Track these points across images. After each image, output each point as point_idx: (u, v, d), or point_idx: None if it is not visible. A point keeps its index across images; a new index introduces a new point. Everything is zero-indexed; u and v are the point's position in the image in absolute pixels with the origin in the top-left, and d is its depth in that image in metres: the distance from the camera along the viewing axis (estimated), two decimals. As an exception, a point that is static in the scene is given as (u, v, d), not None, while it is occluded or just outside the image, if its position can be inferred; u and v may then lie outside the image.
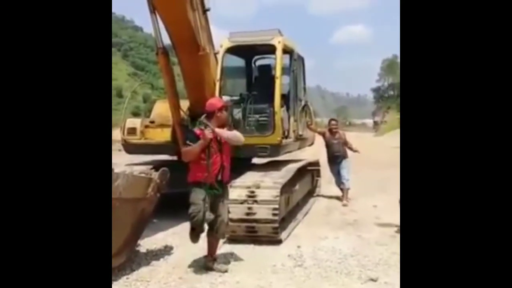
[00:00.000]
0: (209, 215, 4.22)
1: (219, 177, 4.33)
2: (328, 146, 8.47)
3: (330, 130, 8.51)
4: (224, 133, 4.35)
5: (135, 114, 40.73)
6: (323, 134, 8.56)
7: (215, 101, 4.64)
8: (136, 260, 4.74)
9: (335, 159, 8.36)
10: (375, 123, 64.41)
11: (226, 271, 4.37)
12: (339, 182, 8.38)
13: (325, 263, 4.61)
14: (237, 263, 4.66)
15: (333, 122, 8.88)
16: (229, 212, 4.63)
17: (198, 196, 4.22)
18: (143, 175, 4.71)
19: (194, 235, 4.33)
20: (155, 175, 4.65)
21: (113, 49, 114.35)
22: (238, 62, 8.18)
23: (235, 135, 4.45)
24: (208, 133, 4.22)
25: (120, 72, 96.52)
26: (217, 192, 4.29)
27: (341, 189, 8.34)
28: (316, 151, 9.34)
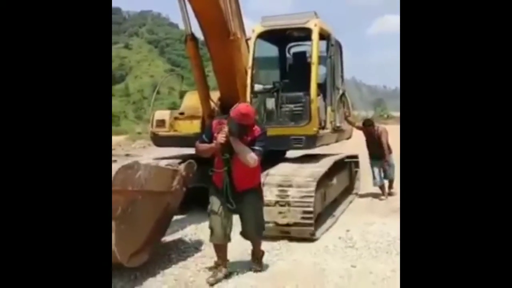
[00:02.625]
0: (228, 230, 3.81)
1: (229, 188, 3.71)
2: (368, 144, 7.79)
3: (366, 132, 7.73)
4: (240, 146, 3.58)
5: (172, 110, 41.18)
6: (362, 129, 7.88)
7: (252, 114, 3.67)
8: (163, 258, 4.39)
9: (377, 157, 7.59)
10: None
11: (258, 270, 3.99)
12: (380, 179, 7.62)
13: (375, 245, 4.71)
14: (291, 244, 4.75)
15: (368, 123, 7.86)
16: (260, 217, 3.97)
17: (214, 207, 3.77)
18: (168, 167, 4.38)
19: (219, 250, 3.89)
20: (180, 167, 4.30)
21: (150, 46, 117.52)
22: (271, 51, 7.75)
23: (248, 155, 3.56)
24: (220, 138, 3.59)
25: (157, 69, 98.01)
26: (231, 207, 3.72)
27: (380, 187, 7.66)
28: (356, 145, 8.64)
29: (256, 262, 4.06)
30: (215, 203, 3.79)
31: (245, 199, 3.78)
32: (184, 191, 4.39)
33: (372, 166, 7.69)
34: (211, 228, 3.81)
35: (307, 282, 3.71)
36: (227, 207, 3.74)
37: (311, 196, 4.87)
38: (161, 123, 7.09)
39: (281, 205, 4.86)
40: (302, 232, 4.85)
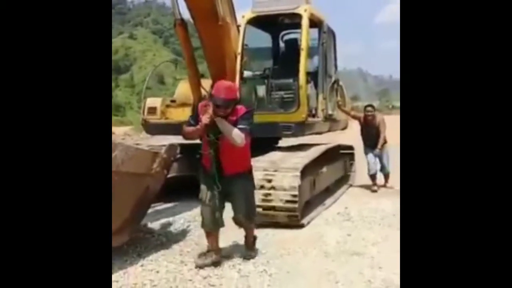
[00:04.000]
0: (218, 216, 3.73)
1: (216, 170, 3.64)
2: (364, 133, 7.57)
3: (365, 118, 7.45)
4: (225, 125, 3.49)
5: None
6: (358, 119, 7.67)
7: (233, 88, 3.73)
8: (146, 244, 4.38)
9: (372, 145, 7.40)
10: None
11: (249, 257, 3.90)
12: (373, 167, 7.43)
13: (370, 219, 5.33)
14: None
15: (368, 108, 7.58)
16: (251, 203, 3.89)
17: (204, 193, 3.73)
18: (147, 148, 4.32)
19: (209, 237, 3.83)
20: (161, 150, 4.25)
21: (155, 36, 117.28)
22: (264, 41, 7.67)
23: (233, 133, 3.47)
24: (205, 119, 3.48)
25: (162, 59, 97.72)
26: (218, 189, 3.65)
27: (372, 177, 7.44)
28: (353, 136, 8.52)
29: (249, 248, 4.01)
30: (204, 189, 3.74)
31: (234, 184, 3.70)
32: (166, 174, 4.33)
33: (366, 154, 7.55)
34: (201, 215, 3.78)
35: (308, 244, 4.32)
36: (216, 190, 3.67)
37: (296, 180, 4.81)
38: (153, 110, 7.06)
39: (267, 189, 4.80)
40: (286, 217, 4.81)
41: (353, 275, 3.54)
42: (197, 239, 4.39)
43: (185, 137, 3.78)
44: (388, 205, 5.90)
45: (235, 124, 3.51)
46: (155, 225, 5.03)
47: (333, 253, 4.08)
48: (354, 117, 7.80)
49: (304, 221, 5.05)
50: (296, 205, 4.79)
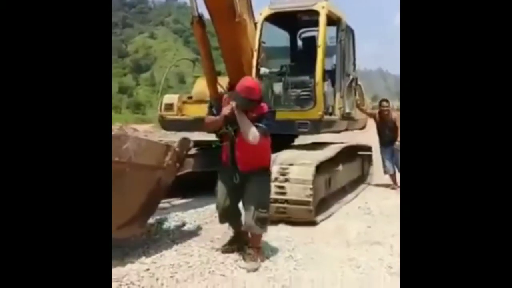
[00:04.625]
0: (233, 209, 3.73)
1: (233, 164, 3.63)
2: (379, 130, 7.54)
3: (381, 113, 7.44)
4: (243, 120, 3.45)
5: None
6: (373, 117, 7.64)
7: (257, 87, 3.58)
8: (178, 232, 4.63)
9: (388, 143, 7.38)
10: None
11: (252, 270, 3.55)
12: (390, 167, 7.38)
13: (389, 213, 5.47)
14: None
15: (384, 103, 7.55)
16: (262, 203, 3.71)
17: (220, 186, 3.73)
18: (160, 141, 4.35)
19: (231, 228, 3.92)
20: (174, 143, 4.26)
21: (175, 36, 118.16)
22: (283, 41, 7.66)
23: (248, 130, 3.42)
24: (225, 110, 3.50)
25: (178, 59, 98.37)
26: (235, 181, 3.60)
27: (391, 176, 7.44)
28: (372, 137, 8.51)
29: (253, 258, 3.65)
30: (219, 183, 3.73)
31: (248, 181, 3.61)
32: (178, 168, 4.34)
33: (382, 153, 7.49)
34: (216, 209, 3.79)
35: (331, 235, 4.58)
36: (231, 184, 3.63)
37: (310, 178, 4.77)
38: (169, 106, 7.10)
39: (280, 185, 4.78)
40: (300, 212, 4.77)
41: (374, 261, 3.75)
42: (226, 227, 4.36)
43: (206, 128, 3.79)
44: None
45: (254, 121, 3.47)
46: (185, 215, 5.28)
47: (354, 243, 4.32)
48: (370, 115, 7.75)
49: (318, 218, 5.01)
50: (310, 199, 4.73)
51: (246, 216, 3.68)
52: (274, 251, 3.97)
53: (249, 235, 3.80)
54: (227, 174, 3.69)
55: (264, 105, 3.61)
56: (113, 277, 3.31)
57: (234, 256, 3.80)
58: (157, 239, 4.41)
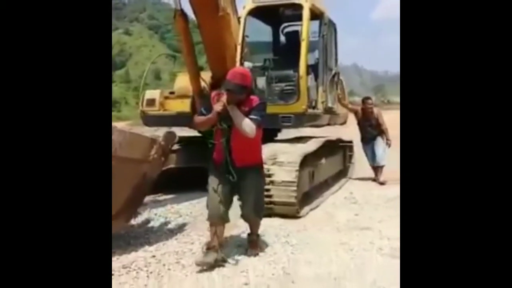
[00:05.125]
0: (224, 209, 3.58)
1: (230, 161, 3.57)
2: (361, 127, 7.64)
3: (364, 110, 7.53)
4: (237, 114, 3.43)
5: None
6: (355, 112, 7.71)
7: (248, 74, 3.60)
8: (176, 223, 4.82)
9: (369, 140, 7.54)
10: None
11: (253, 255, 3.68)
12: (373, 161, 7.56)
13: (375, 202, 5.81)
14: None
15: (368, 101, 7.66)
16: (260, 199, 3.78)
17: (212, 185, 3.60)
18: (145, 134, 4.30)
19: (213, 231, 3.62)
20: (159, 136, 4.22)
21: (150, 32, 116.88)
22: (264, 35, 7.67)
23: (244, 123, 3.40)
24: (217, 106, 3.44)
25: (158, 55, 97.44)
26: (232, 180, 3.56)
27: (374, 168, 7.55)
28: (352, 131, 8.63)
29: (253, 246, 3.81)
30: (212, 180, 3.63)
31: (245, 177, 3.59)
32: (163, 162, 4.30)
33: (364, 149, 7.61)
34: (207, 207, 3.67)
35: (321, 222, 4.82)
36: (228, 181, 3.56)
37: (296, 171, 4.83)
38: (151, 102, 7.03)
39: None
40: (285, 208, 4.83)
41: (365, 244, 3.97)
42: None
43: (197, 128, 3.75)
44: (390, 192, 6.20)
45: (247, 114, 3.45)
46: (180, 206, 5.56)
47: (345, 229, 4.56)
48: (351, 110, 7.82)
49: (303, 211, 5.05)
50: (294, 200, 4.82)
51: (244, 207, 3.70)
52: (270, 237, 4.17)
53: (249, 223, 3.88)
54: (221, 173, 3.61)
55: (254, 98, 3.57)
56: (121, 263, 3.50)
57: (237, 241, 4.03)
58: (155, 229, 4.62)
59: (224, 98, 3.47)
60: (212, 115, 3.46)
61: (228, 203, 3.63)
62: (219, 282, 3.25)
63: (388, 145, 7.40)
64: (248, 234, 3.91)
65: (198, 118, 3.64)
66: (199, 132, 5.25)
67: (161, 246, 4.00)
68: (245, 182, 3.61)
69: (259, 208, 3.75)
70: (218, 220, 3.59)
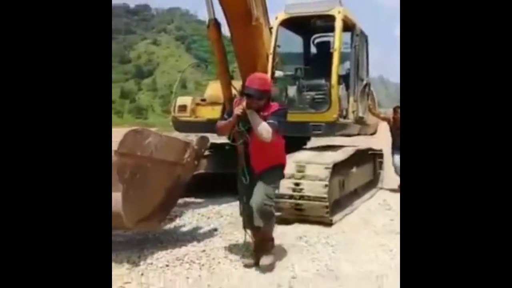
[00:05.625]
0: (246, 212, 3.63)
1: (246, 165, 3.58)
2: (393, 135, 7.63)
3: (395, 119, 7.51)
4: (255, 117, 3.41)
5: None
6: (388, 121, 7.72)
7: (267, 80, 3.74)
8: (219, 223, 5.01)
9: (399, 147, 7.52)
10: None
11: (247, 265, 3.64)
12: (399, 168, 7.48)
13: None
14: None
15: (399, 110, 7.50)
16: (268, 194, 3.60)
17: (239, 189, 3.71)
18: (179, 138, 4.40)
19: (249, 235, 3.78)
20: (193, 140, 4.31)
21: (177, 42, 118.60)
22: (295, 47, 7.74)
23: (261, 126, 3.37)
24: (237, 110, 3.45)
25: (184, 64, 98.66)
26: (245, 182, 3.55)
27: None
28: (381, 142, 8.63)
29: (266, 255, 3.64)
30: (239, 187, 3.70)
31: (259, 179, 3.56)
32: (196, 165, 4.38)
33: (393, 156, 7.56)
34: (240, 214, 3.82)
35: (359, 226, 5.01)
36: (244, 185, 3.57)
37: (326, 179, 4.86)
38: (183, 108, 7.14)
39: (296, 186, 4.88)
40: (316, 212, 4.88)
41: None
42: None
43: (219, 132, 3.75)
44: None
45: (266, 119, 3.44)
46: (221, 207, 5.78)
47: (382, 232, 4.76)
48: (384, 119, 7.81)
49: (335, 218, 5.06)
50: (326, 200, 4.82)
51: (253, 208, 3.56)
52: (311, 238, 4.38)
53: (257, 228, 3.70)
54: (240, 175, 3.65)
55: (274, 104, 3.59)
56: (175, 256, 3.74)
57: (277, 241, 4.02)
58: (200, 227, 4.88)
59: (244, 102, 3.48)
60: (233, 118, 3.50)
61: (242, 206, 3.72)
62: (264, 275, 3.47)
63: None
64: (258, 243, 3.75)
65: (220, 123, 3.70)
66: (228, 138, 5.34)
67: (208, 243, 4.22)
68: (258, 182, 3.56)
69: (263, 209, 3.49)
70: (248, 225, 3.70)
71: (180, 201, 5.35)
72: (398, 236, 4.09)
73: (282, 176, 3.81)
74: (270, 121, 3.42)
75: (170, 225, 4.91)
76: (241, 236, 3.98)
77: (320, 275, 3.45)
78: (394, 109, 7.78)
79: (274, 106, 3.58)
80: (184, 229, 4.83)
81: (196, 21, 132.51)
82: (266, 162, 3.59)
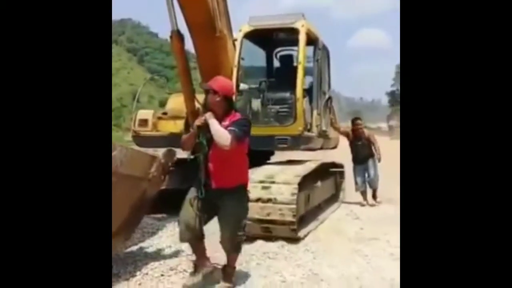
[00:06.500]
0: (195, 225, 3.41)
1: (205, 181, 3.41)
2: (353, 148, 7.74)
3: (354, 131, 7.70)
4: (214, 123, 3.28)
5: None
6: (346, 135, 7.83)
7: (230, 84, 3.69)
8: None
9: (361, 161, 7.62)
10: (390, 127, 62.53)
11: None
12: (362, 184, 7.60)
13: (375, 218, 6.29)
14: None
15: (358, 121, 7.86)
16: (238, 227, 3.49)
17: (187, 199, 3.49)
18: (145, 152, 4.22)
19: (194, 251, 3.60)
20: (159, 154, 4.15)
21: (129, 55, 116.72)
22: (258, 61, 7.72)
23: (222, 133, 3.23)
24: (198, 120, 3.35)
25: (137, 77, 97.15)
26: (200, 196, 3.38)
27: (362, 193, 7.61)
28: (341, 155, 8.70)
29: (227, 279, 3.57)
30: (188, 197, 3.49)
31: (224, 200, 3.41)
32: (163, 180, 4.21)
33: (355, 170, 7.66)
34: (178, 223, 3.53)
35: (332, 234, 5.36)
36: (198, 198, 3.38)
37: (294, 194, 4.80)
38: (144, 122, 6.95)
39: (263, 202, 4.78)
40: (284, 229, 4.80)
41: (377, 251, 4.52)
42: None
43: (183, 146, 3.59)
44: (388, 210, 6.71)
45: (227, 128, 3.31)
46: None
47: (355, 239, 5.13)
48: (343, 133, 7.90)
49: (301, 234, 5.00)
50: (294, 219, 4.76)
51: (222, 237, 3.48)
52: (290, 247, 4.66)
53: (225, 253, 3.60)
54: (196, 187, 3.48)
55: (237, 114, 3.49)
56: (169, 266, 4.02)
57: (265, 248, 4.59)
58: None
59: (207, 114, 3.35)
60: (193, 130, 3.40)
61: (200, 219, 3.43)
62: (257, 280, 3.76)
63: (379, 159, 7.58)
64: (224, 266, 3.63)
65: (183, 136, 3.60)
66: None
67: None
68: (224, 205, 3.43)
69: (236, 240, 3.47)
70: (188, 237, 3.48)
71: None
72: (371, 242, 4.89)
73: (248, 198, 3.65)
74: (231, 128, 3.29)
75: (152, 239, 5.03)
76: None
77: (307, 279, 3.81)
78: (352, 121, 7.94)
79: (237, 115, 3.47)
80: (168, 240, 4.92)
81: (148, 33, 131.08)
82: (227, 179, 3.43)
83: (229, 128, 3.28)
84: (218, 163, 3.37)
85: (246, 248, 4.12)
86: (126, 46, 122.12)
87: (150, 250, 4.60)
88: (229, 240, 3.44)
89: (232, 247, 3.51)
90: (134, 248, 4.62)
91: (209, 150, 3.35)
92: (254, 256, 4.33)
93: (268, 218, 4.76)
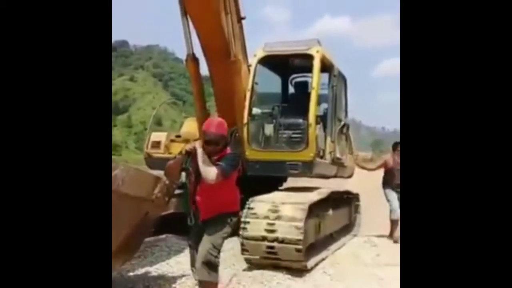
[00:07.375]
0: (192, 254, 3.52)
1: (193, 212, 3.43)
2: (390, 174, 7.18)
3: (394, 157, 7.16)
4: (202, 157, 3.28)
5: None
6: (383, 165, 7.35)
7: (224, 125, 3.54)
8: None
9: (398, 186, 6.89)
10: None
11: None
12: (397, 211, 6.86)
13: (393, 245, 6.51)
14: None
15: (399, 147, 7.06)
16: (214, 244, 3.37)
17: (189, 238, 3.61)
18: (149, 172, 4.16)
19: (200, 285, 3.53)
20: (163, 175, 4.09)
21: (154, 80, 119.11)
22: (273, 87, 7.72)
23: (208, 169, 3.25)
24: (188, 146, 3.39)
25: (161, 101, 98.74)
26: (189, 223, 3.41)
27: (393, 222, 7.05)
28: (358, 185, 8.47)
29: None
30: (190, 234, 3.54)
31: (208, 227, 3.40)
32: (167, 202, 4.14)
33: (390, 196, 7.13)
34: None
35: (349, 259, 5.58)
36: (193, 230, 3.43)
37: (301, 220, 4.63)
38: (157, 144, 6.96)
39: (270, 231, 4.64)
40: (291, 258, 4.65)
41: (392, 275, 4.37)
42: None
43: (167, 173, 3.58)
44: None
45: (215, 163, 3.33)
46: None
47: (371, 264, 5.35)
48: (381, 166, 7.48)
49: (309, 263, 4.84)
50: (301, 246, 4.58)
51: (196, 266, 3.40)
52: (308, 269, 4.79)
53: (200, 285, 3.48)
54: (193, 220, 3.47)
55: (227, 149, 3.49)
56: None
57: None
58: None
59: (197, 143, 3.40)
60: (181, 155, 3.41)
61: (194, 247, 3.48)
62: None
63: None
64: None
65: (169, 162, 3.57)
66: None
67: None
68: (207, 230, 3.39)
69: (210, 260, 3.30)
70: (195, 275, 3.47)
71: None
72: (387, 268, 5.00)
73: (232, 223, 3.55)
74: (219, 163, 3.31)
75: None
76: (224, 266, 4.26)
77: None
78: (394, 147, 7.36)
79: (227, 151, 3.50)
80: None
81: (174, 59, 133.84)
82: (214, 209, 3.42)
83: (217, 162, 3.32)
84: (205, 196, 3.40)
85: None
86: (152, 72, 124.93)
87: (177, 267, 4.82)
88: (203, 256, 3.31)
89: (203, 267, 3.30)
90: (159, 265, 4.92)
91: (197, 184, 3.38)
92: (275, 276, 4.52)
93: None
